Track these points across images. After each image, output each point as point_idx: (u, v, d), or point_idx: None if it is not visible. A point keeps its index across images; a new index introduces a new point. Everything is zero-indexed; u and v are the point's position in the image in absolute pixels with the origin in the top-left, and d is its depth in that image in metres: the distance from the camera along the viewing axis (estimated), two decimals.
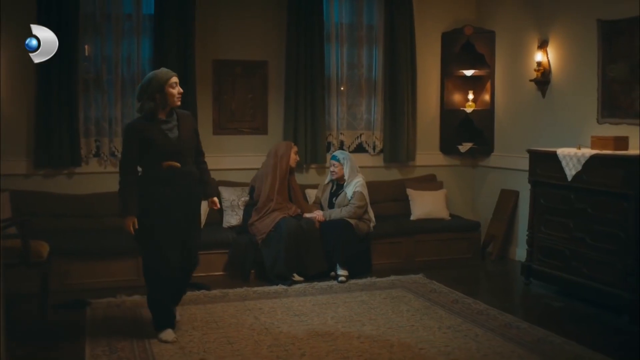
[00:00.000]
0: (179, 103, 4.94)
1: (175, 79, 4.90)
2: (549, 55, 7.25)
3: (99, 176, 7.24)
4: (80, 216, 6.96)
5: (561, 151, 6.12)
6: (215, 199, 5.43)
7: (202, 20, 7.40)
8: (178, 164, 4.87)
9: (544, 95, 7.34)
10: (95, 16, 7.13)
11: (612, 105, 6.41)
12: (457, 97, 8.44)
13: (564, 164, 6.04)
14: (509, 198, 7.81)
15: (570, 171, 5.96)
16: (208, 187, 5.35)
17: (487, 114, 8.24)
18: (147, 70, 7.28)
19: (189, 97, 7.28)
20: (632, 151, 5.77)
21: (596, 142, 5.99)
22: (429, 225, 7.68)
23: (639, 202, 5.39)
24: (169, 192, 4.85)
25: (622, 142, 5.84)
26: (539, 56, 7.29)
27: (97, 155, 7.28)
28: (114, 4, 7.18)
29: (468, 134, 8.34)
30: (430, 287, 6.48)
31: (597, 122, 6.53)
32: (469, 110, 8.25)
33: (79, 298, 5.90)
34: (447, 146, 8.45)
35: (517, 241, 7.72)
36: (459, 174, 8.57)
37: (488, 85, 8.27)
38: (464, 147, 8.31)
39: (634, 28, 6.14)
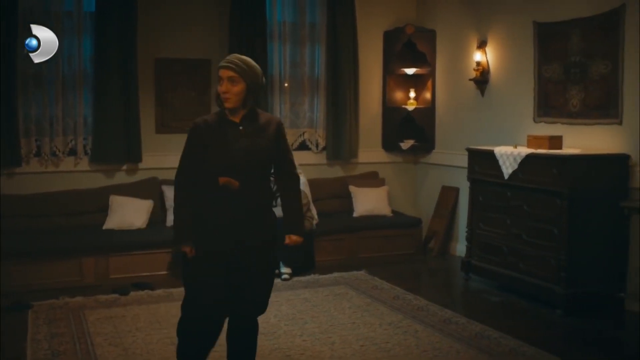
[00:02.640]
0: (226, 105, 3.70)
1: (221, 73, 3.69)
2: (488, 55, 7.42)
3: (40, 176, 7.17)
4: (21, 216, 6.87)
5: (498, 150, 6.28)
6: (295, 237, 3.99)
7: (144, 19, 7.36)
8: (236, 183, 3.66)
9: (483, 94, 7.51)
10: (34, 13, 7.01)
11: (547, 105, 6.60)
12: (398, 95, 8.56)
13: (501, 162, 6.20)
14: (449, 195, 7.97)
15: (507, 169, 6.12)
16: (291, 221, 3.99)
17: (428, 111, 8.38)
18: (89, 68, 7.25)
19: (131, 95, 7.28)
20: (565, 150, 5.96)
21: (532, 141, 6.17)
22: (372, 222, 7.79)
23: (571, 199, 5.58)
24: (218, 220, 3.72)
25: (556, 141, 6.03)
26: (478, 56, 7.45)
27: (37, 155, 7.19)
28: (54, 1, 7.09)
29: (410, 132, 8.48)
30: (372, 283, 6.59)
31: (534, 121, 6.72)
32: (410, 108, 8.38)
33: (21, 300, 5.84)
34: (389, 143, 8.57)
35: (457, 237, 7.89)
36: (401, 170, 8.70)
37: (429, 83, 8.41)
38: (406, 144, 8.44)
39: (567, 30, 6.34)
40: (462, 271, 6.83)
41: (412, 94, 8.42)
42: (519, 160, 6.00)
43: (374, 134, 8.56)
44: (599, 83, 6.06)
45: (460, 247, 7.66)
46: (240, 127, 3.73)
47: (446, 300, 6.12)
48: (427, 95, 8.44)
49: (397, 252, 7.80)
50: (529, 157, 5.93)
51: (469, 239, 6.77)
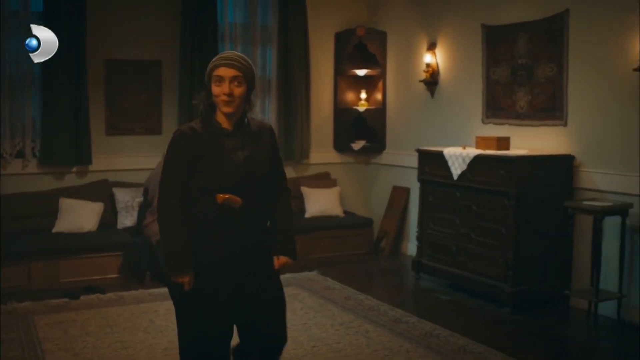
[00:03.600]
0: (225, 109, 3.19)
1: (222, 71, 3.15)
2: (437, 57, 7.52)
3: None
4: None
5: (447, 151, 6.37)
6: (286, 259, 3.42)
7: (93, 19, 7.28)
8: (239, 200, 3.15)
9: (432, 95, 7.61)
10: None
11: (495, 106, 6.73)
12: (350, 96, 8.62)
13: (450, 163, 6.30)
14: (400, 195, 8.06)
15: (456, 170, 6.22)
16: (284, 241, 3.42)
17: (379, 112, 8.46)
18: (36, 71, 7.13)
19: (80, 97, 7.20)
20: (513, 151, 6.08)
21: (480, 142, 6.27)
22: (324, 223, 7.84)
23: (518, 199, 5.70)
24: (220, 244, 3.21)
25: (504, 142, 6.14)
26: (428, 57, 7.55)
27: None
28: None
29: (361, 132, 8.54)
30: (324, 284, 6.63)
31: (482, 122, 6.84)
32: (361, 109, 8.45)
33: None
34: (341, 144, 8.63)
35: (408, 236, 7.98)
36: (353, 171, 8.76)
37: (380, 84, 8.48)
38: (357, 145, 8.51)
39: (514, 34, 6.47)
40: (413, 270, 6.92)
41: (363, 95, 8.49)
42: (467, 161, 6.11)
43: (325, 135, 8.61)
44: (544, 85, 6.20)
45: (411, 247, 7.75)
46: (236, 136, 3.24)
47: (397, 299, 6.20)
48: (378, 96, 8.52)
49: (349, 252, 7.86)
50: (477, 158, 6.03)
51: (419, 239, 6.87)
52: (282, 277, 6.63)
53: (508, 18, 6.57)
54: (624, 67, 5.48)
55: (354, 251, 7.92)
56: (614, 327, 5.47)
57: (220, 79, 3.15)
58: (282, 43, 8.16)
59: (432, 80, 7.53)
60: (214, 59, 3.22)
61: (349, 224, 7.99)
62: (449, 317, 5.70)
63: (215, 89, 3.17)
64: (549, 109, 6.17)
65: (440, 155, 6.44)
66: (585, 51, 5.84)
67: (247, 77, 3.19)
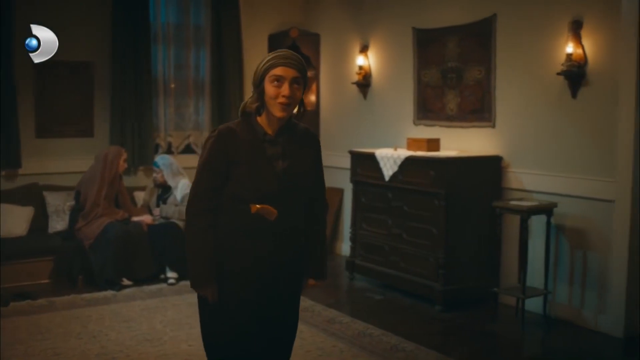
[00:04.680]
0: (280, 114, 2.88)
1: (281, 71, 2.85)
2: (370, 60, 7.62)
3: None
4: None
5: (379, 152, 6.47)
6: (315, 282, 3.22)
7: (21, 19, 7.13)
8: (274, 211, 2.90)
9: (365, 97, 7.71)
10: None
11: (426, 108, 6.86)
12: None
13: (381, 164, 6.39)
14: (334, 196, 8.13)
15: (388, 171, 6.32)
16: (316, 262, 3.18)
17: (312, 114, 8.50)
18: None
19: (8, 99, 7.05)
20: (443, 152, 6.21)
21: (411, 143, 6.39)
22: None
23: (448, 200, 5.83)
24: (250, 257, 2.95)
25: (434, 143, 6.27)
26: (360, 60, 7.64)
27: None
28: None
29: None
30: None
31: (414, 123, 6.96)
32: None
33: None
34: None
35: (342, 237, 8.06)
36: None
37: (314, 86, 8.54)
38: None
39: (444, 37, 6.60)
40: (347, 271, 7.00)
41: None
42: (399, 163, 6.21)
43: None
44: (473, 88, 6.35)
45: (345, 247, 7.83)
46: (279, 143, 2.96)
47: (331, 300, 6.26)
48: (312, 98, 8.57)
49: None
50: (408, 160, 6.14)
51: (352, 239, 6.95)
52: None
53: (438, 22, 6.71)
54: (549, 71, 5.65)
55: None
56: (540, 322, 5.64)
57: (280, 79, 2.85)
58: (216, 44, 8.14)
59: (364, 82, 7.63)
60: (268, 57, 2.90)
61: None
62: (382, 316, 5.79)
63: (272, 90, 2.85)
64: (478, 111, 6.32)
65: (372, 157, 6.53)
66: (512, 55, 6.01)
67: (304, 80, 2.95)
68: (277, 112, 2.87)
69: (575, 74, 5.42)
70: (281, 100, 2.84)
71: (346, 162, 7.25)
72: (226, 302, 2.96)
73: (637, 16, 5.08)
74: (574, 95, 5.50)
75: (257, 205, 2.88)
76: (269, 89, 2.85)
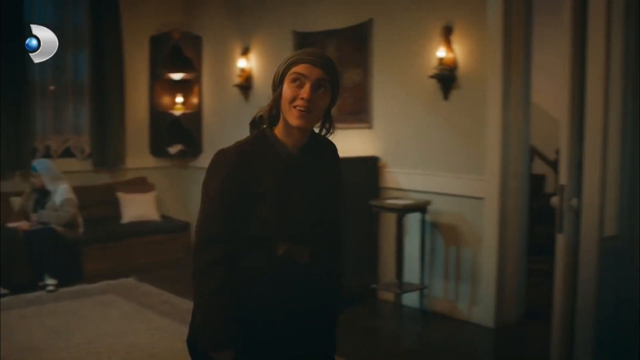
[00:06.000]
0: (296, 122, 2.27)
1: (304, 69, 2.26)
2: (251, 62, 7.68)
3: None
4: None
5: None
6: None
7: None
8: (307, 252, 2.38)
9: (247, 99, 7.76)
10: None
11: None
12: (166, 100, 8.59)
13: None
14: None
15: None
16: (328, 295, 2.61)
17: (195, 116, 8.50)
18: None
19: None
20: None
21: None
22: (140, 228, 7.77)
23: None
24: (278, 307, 2.37)
25: None
26: (242, 62, 7.69)
27: None
28: None
29: (177, 136, 8.55)
30: (141, 290, 6.59)
31: None
32: (177, 113, 8.45)
33: None
34: (157, 149, 8.59)
35: None
36: (170, 175, 8.74)
37: (196, 88, 8.52)
38: (174, 149, 8.51)
39: (324, 40, 6.74)
40: None
41: (180, 99, 8.50)
42: None
43: (141, 140, 8.53)
44: (352, 90, 6.51)
45: None
46: (304, 164, 2.38)
47: None
48: (194, 100, 8.55)
49: (168, 257, 7.84)
50: None
51: None
52: (97, 285, 6.65)
53: (317, 25, 6.84)
54: (422, 74, 5.87)
55: (172, 255, 7.90)
56: (417, 316, 5.86)
57: (301, 79, 2.27)
58: (95, 46, 7.98)
59: (246, 84, 7.69)
60: (292, 55, 2.34)
61: (166, 229, 7.97)
62: None
63: (290, 91, 2.28)
64: (356, 112, 6.48)
65: None
66: (388, 58, 6.20)
67: (334, 86, 2.34)
68: (293, 120, 2.27)
69: (447, 77, 5.66)
70: (298, 103, 2.25)
71: None
72: None
73: (501, 23, 5.36)
74: (445, 97, 5.74)
75: (285, 246, 2.33)
76: (287, 90, 2.28)
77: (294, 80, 2.27)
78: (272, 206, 2.29)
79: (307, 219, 2.36)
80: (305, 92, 2.25)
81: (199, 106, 8.52)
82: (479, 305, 5.65)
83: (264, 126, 2.40)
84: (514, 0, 5.40)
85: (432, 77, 5.72)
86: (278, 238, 2.32)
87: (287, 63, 2.30)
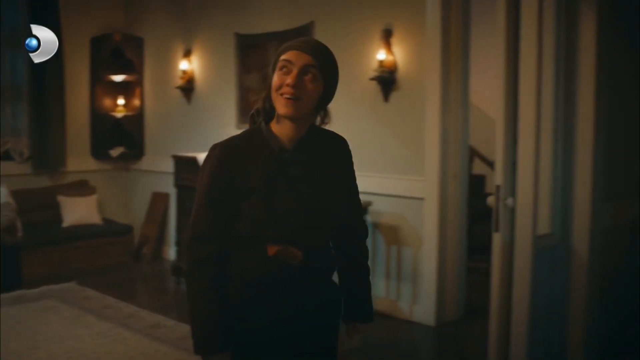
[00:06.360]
0: (283, 110, 2.21)
1: (291, 55, 2.22)
2: (194, 64, 7.65)
3: None
4: None
5: (202, 156, 6.49)
6: (363, 327, 2.63)
7: None
8: (299, 253, 2.25)
9: (189, 101, 7.73)
10: None
11: (248, 112, 6.93)
12: (107, 102, 8.49)
13: None
14: (160, 200, 8.09)
15: None
16: (360, 303, 2.59)
17: (137, 118, 8.43)
18: None
19: None
20: None
21: None
22: (82, 232, 7.66)
23: None
24: (271, 309, 2.30)
25: None
26: (184, 64, 7.66)
27: None
28: None
29: (119, 139, 8.46)
30: (83, 294, 6.51)
31: (236, 127, 7.06)
32: (119, 115, 8.37)
33: None
34: (99, 151, 8.48)
35: (170, 242, 8.02)
36: (112, 178, 8.65)
37: (137, 90, 8.45)
38: (116, 151, 8.42)
39: (265, 42, 6.76)
40: (173, 275, 6.99)
41: (121, 101, 8.41)
42: None
43: (82, 142, 8.42)
44: None
45: (172, 252, 7.81)
46: (301, 160, 2.30)
47: (157, 304, 6.24)
48: (136, 102, 8.48)
49: (110, 261, 7.75)
50: None
51: (178, 244, 6.96)
52: (37, 290, 6.55)
53: (260, 27, 6.86)
54: (363, 77, 5.93)
55: (115, 259, 7.81)
56: None
57: (288, 65, 2.20)
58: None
59: (188, 86, 7.66)
60: (286, 43, 2.28)
61: (108, 232, 7.87)
62: None
63: (277, 79, 2.21)
64: None
65: (194, 161, 6.57)
66: None
67: (325, 74, 2.25)
68: (280, 108, 2.20)
69: (387, 80, 5.74)
70: (284, 90, 2.18)
71: (170, 167, 7.23)
72: None
73: (440, 25, 5.46)
74: (386, 99, 5.81)
75: (276, 247, 2.23)
76: (275, 78, 2.22)
77: (281, 68, 2.21)
78: (261, 203, 2.21)
79: (303, 217, 2.24)
80: (290, 77, 2.18)
81: (141, 108, 8.45)
82: (420, 304, 5.73)
83: (261, 119, 2.32)
84: (452, 4, 5.51)
85: (372, 79, 5.79)
86: (269, 237, 2.23)
87: (278, 52, 2.26)
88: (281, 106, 2.20)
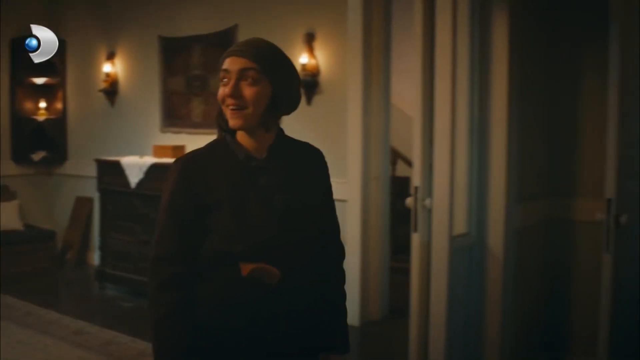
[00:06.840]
0: (235, 122, 2.03)
1: (226, 63, 2.04)
2: (117, 67, 7.57)
3: None
4: None
5: (125, 160, 6.47)
6: (338, 358, 2.30)
7: None
8: (275, 271, 2.03)
9: (113, 104, 7.64)
10: None
11: (172, 116, 6.95)
12: (28, 105, 8.30)
13: (127, 172, 6.40)
14: (84, 205, 7.97)
15: (134, 179, 6.34)
16: (334, 331, 2.30)
17: (59, 122, 8.28)
18: None
19: None
20: None
21: (157, 150, 6.46)
22: (2, 238, 7.46)
23: None
24: (245, 335, 2.06)
25: (179, 150, 6.39)
26: (107, 67, 7.56)
27: None
28: None
29: (41, 143, 8.29)
30: (3, 302, 6.35)
31: (160, 131, 7.03)
32: (41, 118, 8.21)
33: None
34: (20, 156, 8.28)
35: (94, 247, 7.90)
36: (34, 183, 8.46)
37: (60, 93, 8.30)
38: (37, 155, 8.25)
39: (189, 45, 6.75)
40: (97, 280, 6.91)
41: (43, 105, 8.25)
42: (144, 170, 6.25)
43: (2, 146, 8.21)
44: (215, 96, 6.52)
45: (96, 257, 7.68)
46: (272, 170, 2.12)
47: (80, 311, 6.14)
48: (58, 105, 8.32)
49: (32, 267, 7.59)
50: (153, 166, 6.21)
51: (101, 248, 6.87)
52: None
53: (184, 30, 6.84)
54: None
55: (37, 265, 7.65)
56: None
57: (226, 75, 2.03)
58: None
59: (111, 89, 7.57)
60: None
61: (29, 238, 7.71)
62: (132, 323, 5.78)
63: (220, 91, 2.05)
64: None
65: (117, 165, 6.51)
66: None
67: (267, 72, 2.03)
68: (229, 122, 2.04)
69: (310, 83, 5.79)
70: (227, 102, 2.02)
71: (94, 171, 7.11)
72: None
73: (361, 29, 5.54)
74: (308, 102, 5.86)
75: (251, 265, 2.02)
76: (219, 91, 2.06)
77: (222, 79, 2.04)
78: (229, 216, 2.01)
79: (276, 228, 2.04)
80: (228, 87, 2.01)
81: (64, 112, 8.30)
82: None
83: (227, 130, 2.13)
84: (374, 9, 5.60)
85: None
86: (241, 253, 2.01)
87: (219, 62, 2.09)
88: (229, 119, 2.04)
